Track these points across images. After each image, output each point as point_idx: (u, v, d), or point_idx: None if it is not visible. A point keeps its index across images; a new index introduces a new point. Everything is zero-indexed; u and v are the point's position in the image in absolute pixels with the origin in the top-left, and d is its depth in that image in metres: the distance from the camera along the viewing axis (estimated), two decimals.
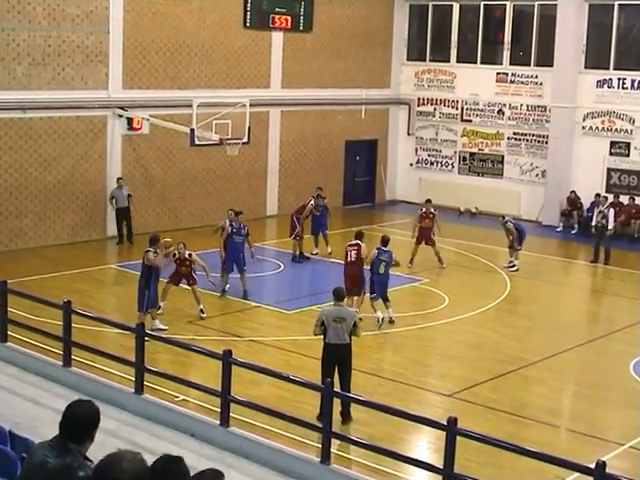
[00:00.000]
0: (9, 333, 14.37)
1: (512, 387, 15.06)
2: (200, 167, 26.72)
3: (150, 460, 4.96)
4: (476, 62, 30.82)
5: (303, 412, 11.98)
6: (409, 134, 32.46)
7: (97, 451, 5.14)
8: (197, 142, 22.77)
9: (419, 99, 32.13)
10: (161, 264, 16.72)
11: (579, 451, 11.98)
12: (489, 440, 10.08)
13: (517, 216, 26.96)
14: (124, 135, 24.94)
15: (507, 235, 23.16)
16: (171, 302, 17.89)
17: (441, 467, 9.76)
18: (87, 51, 23.72)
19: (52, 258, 22.16)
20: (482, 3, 30.55)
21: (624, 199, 27.45)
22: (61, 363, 13.22)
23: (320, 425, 10.89)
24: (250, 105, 23.50)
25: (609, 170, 28.07)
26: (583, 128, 28.46)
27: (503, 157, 30.43)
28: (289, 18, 28.34)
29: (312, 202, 23.25)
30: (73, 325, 13.33)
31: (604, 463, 8.74)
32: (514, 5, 30.02)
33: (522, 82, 29.81)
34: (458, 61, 31.23)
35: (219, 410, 11.40)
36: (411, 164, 32.54)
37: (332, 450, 10.67)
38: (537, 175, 29.68)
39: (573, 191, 28.34)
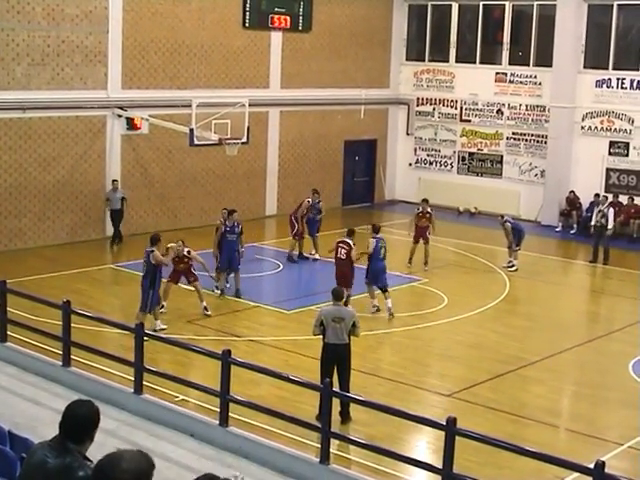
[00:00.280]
0: (8, 333, 14.35)
1: (511, 387, 15.07)
2: (199, 167, 26.72)
3: None
4: (475, 62, 30.83)
5: (302, 412, 11.98)
6: (408, 134, 32.47)
7: (97, 451, 5.14)
8: (196, 142, 22.77)
9: (418, 99, 32.14)
10: (168, 263, 16.98)
11: (578, 451, 11.99)
12: (488, 440, 10.08)
13: (516, 216, 26.95)
14: (123, 135, 24.94)
15: (506, 235, 23.16)
16: (170, 302, 17.88)
17: (440, 467, 9.76)
18: (86, 51, 23.73)
19: (51, 258, 22.16)
20: (481, 3, 30.56)
21: (623, 199, 27.46)
22: (60, 363, 13.21)
23: (319, 425, 10.88)
24: (249, 105, 23.52)
25: (608, 170, 28.07)
26: (582, 128, 28.47)
27: (502, 157, 30.44)
28: (288, 18, 28.35)
29: (309, 199, 23.19)
30: (72, 325, 13.32)
31: (603, 463, 8.74)
32: (513, 5, 30.02)
33: (521, 82, 29.82)
34: (457, 61, 31.24)
35: (218, 410, 11.39)
36: (410, 164, 32.55)
37: (331, 450, 10.67)
38: (536, 175, 29.69)
39: (572, 191, 28.34)
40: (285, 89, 28.80)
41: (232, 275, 19.47)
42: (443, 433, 9.78)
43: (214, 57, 26.70)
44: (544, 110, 29.18)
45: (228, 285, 19.54)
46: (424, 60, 32.05)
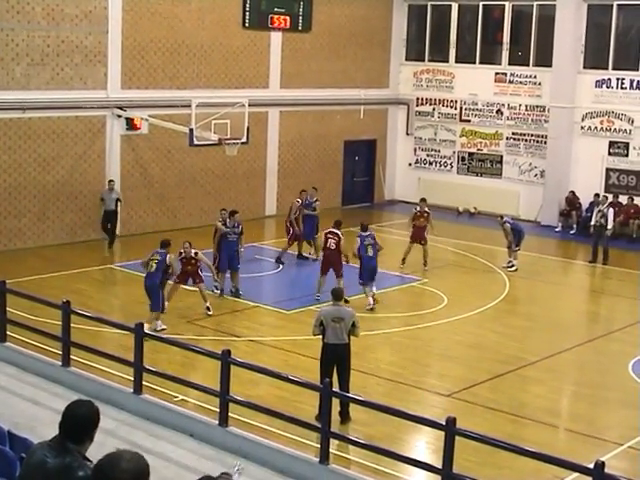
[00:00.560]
0: (8, 333, 14.35)
1: (511, 387, 15.07)
2: (199, 167, 26.72)
3: (150, 460, 4.95)
4: (475, 62, 30.83)
5: (302, 412, 11.98)
6: (408, 134, 32.47)
7: (96, 451, 5.14)
8: (196, 142, 22.77)
9: (418, 99, 32.14)
10: (177, 271, 17.35)
11: (578, 451, 11.99)
12: (488, 440, 10.08)
13: (516, 216, 26.98)
14: (123, 135, 24.94)
15: (505, 235, 23.16)
16: (170, 302, 17.88)
17: (440, 467, 9.76)
18: (86, 51, 23.73)
19: (51, 258, 22.16)
20: (481, 3, 30.56)
21: (623, 199, 27.46)
22: (60, 363, 13.21)
23: (319, 425, 10.89)
24: (249, 105, 23.52)
25: (608, 170, 28.07)
26: (582, 128, 28.47)
27: (502, 157, 30.44)
28: (288, 18, 28.34)
29: (298, 200, 23.14)
30: (72, 325, 13.32)
31: (603, 463, 8.74)
32: (513, 5, 30.02)
33: (521, 82, 29.82)
34: (457, 61, 31.24)
35: (218, 410, 11.39)
36: (410, 164, 32.55)
37: (331, 450, 10.67)
38: (536, 175, 29.69)
39: (572, 191, 28.35)
40: (285, 89, 28.80)
41: (228, 275, 19.45)
42: (443, 433, 9.78)
43: (214, 57, 26.70)
44: (544, 110, 29.18)
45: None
46: (424, 60, 32.05)
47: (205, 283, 17.99)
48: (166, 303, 17.45)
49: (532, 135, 29.72)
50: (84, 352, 13.63)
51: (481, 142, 30.86)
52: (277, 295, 20.73)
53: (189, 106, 22.57)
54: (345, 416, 12.61)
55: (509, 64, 30.10)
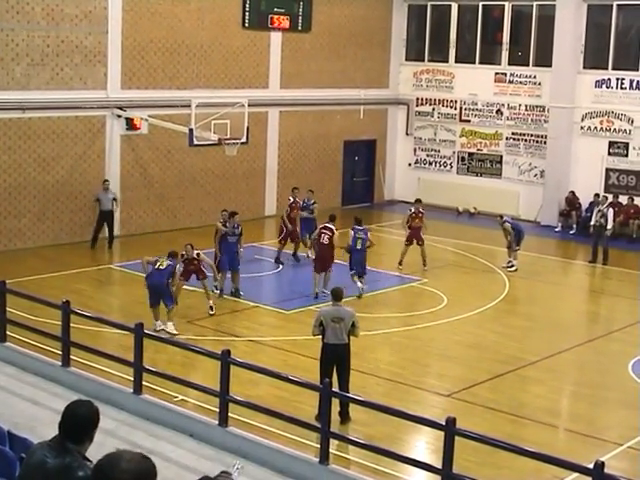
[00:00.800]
0: (8, 333, 14.36)
1: (510, 387, 15.07)
2: (199, 167, 26.72)
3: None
4: (474, 62, 30.82)
5: (302, 412, 11.98)
6: (407, 134, 32.46)
7: (96, 451, 5.14)
8: (196, 142, 22.77)
9: (417, 99, 32.14)
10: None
11: (577, 451, 11.99)
12: (487, 440, 10.09)
13: (516, 216, 26.97)
14: (123, 135, 24.94)
15: (505, 235, 23.16)
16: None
17: (439, 467, 9.77)
18: (86, 51, 23.72)
19: (51, 258, 22.15)
20: (481, 3, 30.55)
21: (623, 199, 27.45)
22: (60, 363, 13.22)
23: (319, 425, 10.89)
24: (249, 105, 23.53)
25: (608, 170, 28.07)
26: (582, 128, 28.47)
27: (502, 157, 30.44)
28: (288, 18, 28.34)
29: (289, 198, 23.16)
30: (72, 325, 13.33)
31: (602, 463, 8.75)
32: (512, 5, 30.02)
33: (521, 82, 29.82)
34: (456, 61, 31.24)
35: (218, 410, 11.39)
36: (410, 164, 32.54)
37: (331, 450, 10.67)
38: (536, 175, 29.69)
39: (572, 191, 28.34)
40: (284, 89, 28.80)
41: (229, 275, 19.46)
42: (442, 433, 9.78)
43: (213, 57, 26.70)
44: (543, 110, 29.18)
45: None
46: (423, 60, 32.04)
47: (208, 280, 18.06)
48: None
49: (532, 135, 29.71)
50: (84, 352, 13.63)
51: (481, 142, 30.85)
52: (277, 295, 20.75)
53: (189, 106, 22.57)
54: (345, 416, 12.61)
55: (509, 64, 30.10)
